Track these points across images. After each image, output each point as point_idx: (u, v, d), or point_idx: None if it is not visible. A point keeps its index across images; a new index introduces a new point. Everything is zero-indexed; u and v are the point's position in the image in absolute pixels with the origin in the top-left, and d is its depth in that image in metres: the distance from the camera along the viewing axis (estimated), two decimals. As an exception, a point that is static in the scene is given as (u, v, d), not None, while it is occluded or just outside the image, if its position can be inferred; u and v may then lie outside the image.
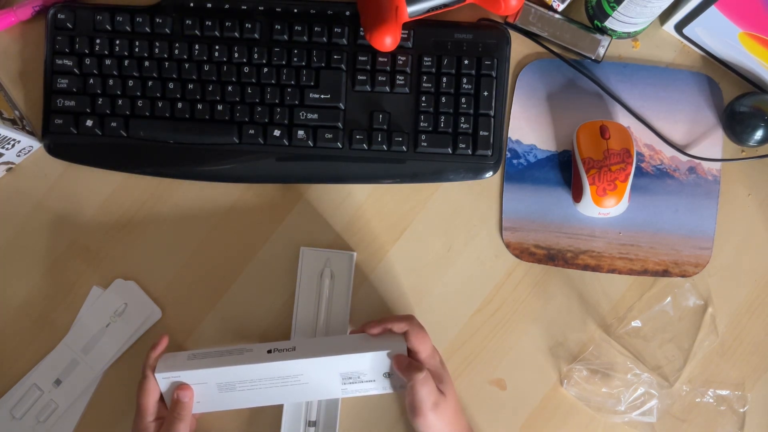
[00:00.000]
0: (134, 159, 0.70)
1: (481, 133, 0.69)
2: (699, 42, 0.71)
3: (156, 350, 0.63)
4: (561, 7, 0.71)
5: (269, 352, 0.61)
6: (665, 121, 0.72)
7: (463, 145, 0.69)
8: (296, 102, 0.69)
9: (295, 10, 0.71)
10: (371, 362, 0.61)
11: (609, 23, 0.69)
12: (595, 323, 0.71)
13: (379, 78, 0.69)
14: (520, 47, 0.72)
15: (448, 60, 0.70)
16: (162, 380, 0.61)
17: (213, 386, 0.61)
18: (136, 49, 0.70)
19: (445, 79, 0.70)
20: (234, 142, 0.69)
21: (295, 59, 0.70)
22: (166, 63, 0.70)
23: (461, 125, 0.69)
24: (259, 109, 0.69)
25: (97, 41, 0.70)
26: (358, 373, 0.61)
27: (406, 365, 0.59)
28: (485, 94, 0.70)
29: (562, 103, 0.72)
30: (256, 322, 0.70)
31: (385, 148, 0.69)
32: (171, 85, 0.69)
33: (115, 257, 0.71)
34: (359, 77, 0.69)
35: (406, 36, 0.70)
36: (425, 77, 0.70)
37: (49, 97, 0.70)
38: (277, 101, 0.69)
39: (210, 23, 0.70)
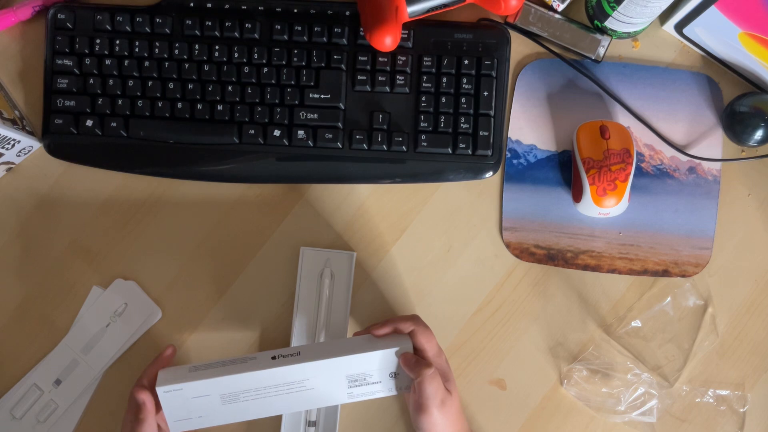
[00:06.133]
0: (134, 159, 0.70)
1: (481, 133, 0.69)
2: (699, 42, 0.71)
3: (153, 369, 0.62)
4: (561, 7, 0.71)
5: (273, 358, 0.60)
6: (665, 121, 0.72)
7: (463, 145, 0.69)
8: (296, 102, 0.69)
9: (295, 10, 0.71)
10: (379, 361, 0.60)
11: (609, 23, 0.70)
12: (595, 323, 0.71)
13: (379, 78, 0.69)
14: (520, 47, 0.72)
15: (448, 60, 0.70)
16: (163, 394, 0.59)
17: (216, 398, 0.59)
18: (136, 49, 0.70)
19: (445, 79, 0.70)
20: (234, 142, 0.69)
21: (295, 59, 0.70)
22: (166, 63, 0.70)
23: (461, 125, 0.69)
24: (259, 109, 0.69)
25: (97, 41, 0.70)
26: (365, 375, 0.61)
27: (414, 362, 0.59)
28: (485, 94, 0.70)
29: (562, 103, 0.72)
30: (256, 321, 0.70)
31: (385, 148, 0.69)
32: (171, 85, 0.69)
33: (115, 257, 0.71)
34: (359, 77, 0.69)
35: (406, 36, 0.70)
36: (425, 77, 0.70)
37: (49, 97, 0.70)
38: (277, 101, 0.69)
39: (210, 23, 0.70)
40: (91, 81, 0.70)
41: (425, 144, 0.69)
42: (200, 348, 0.70)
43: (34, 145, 0.70)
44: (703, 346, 0.70)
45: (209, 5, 0.71)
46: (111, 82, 0.70)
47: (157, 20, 0.70)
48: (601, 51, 0.71)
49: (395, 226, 0.71)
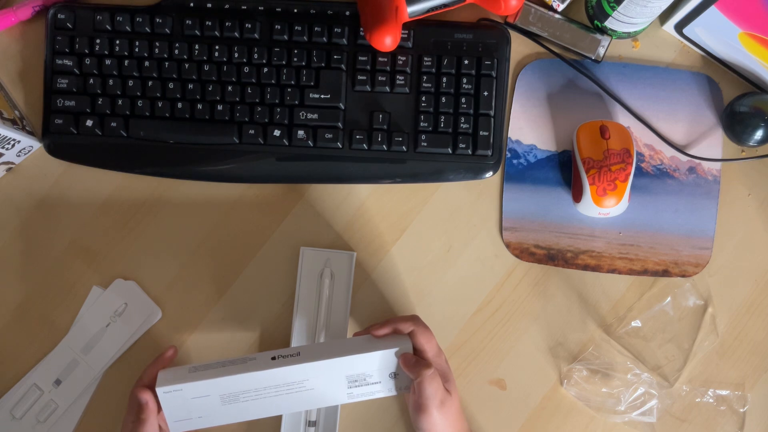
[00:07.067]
0: (134, 159, 0.70)
1: (481, 133, 0.69)
2: (699, 42, 0.71)
3: (154, 368, 0.62)
4: (561, 7, 0.71)
5: (273, 359, 0.60)
6: (665, 121, 0.72)
7: (463, 145, 0.69)
8: (296, 102, 0.69)
9: (295, 10, 0.71)
10: (379, 361, 0.60)
11: (609, 23, 0.70)
12: (595, 323, 0.71)
13: (379, 78, 0.69)
14: (520, 47, 0.72)
15: (448, 60, 0.70)
16: (163, 394, 0.59)
17: (216, 399, 0.60)
18: (136, 49, 0.70)
19: (445, 79, 0.70)
20: (234, 142, 0.69)
21: (295, 59, 0.70)
22: (166, 63, 0.70)
23: (461, 125, 0.69)
24: (259, 109, 0.69)
25: (97, 41, 0.70)
26: (365, 375, 0.61)
27: (413, 362, 0.59)
28: (485, 94, 0.70)
29: (562, 103, 0.72)
30: (257, 321, 0.70)
31: (385, 148, 0.69)
32: (171, 85, 0.69)
33: (115, 257, 0.71)
34: (359, 77, 0.69)
35: (406, 36, 0.70)
36: (425, 77, 0.70)
37: (49, 97, 0.70)
38: (277, 101, 0.69)
39: (210, 23, 0.70)
40: (91, 81, 0.70)
41: (425, 144, 0.69)
42: (200, 348, 0.70)
43: (34, 145, 0.70)
44: (703, 346, 0.70)
45: (209, 5, 0.71)
46: (111, 82, 0.70)
47: (157, 20, 0.70)
48: (601, 51, 0.71)
49: (395, 226, 0.71)
